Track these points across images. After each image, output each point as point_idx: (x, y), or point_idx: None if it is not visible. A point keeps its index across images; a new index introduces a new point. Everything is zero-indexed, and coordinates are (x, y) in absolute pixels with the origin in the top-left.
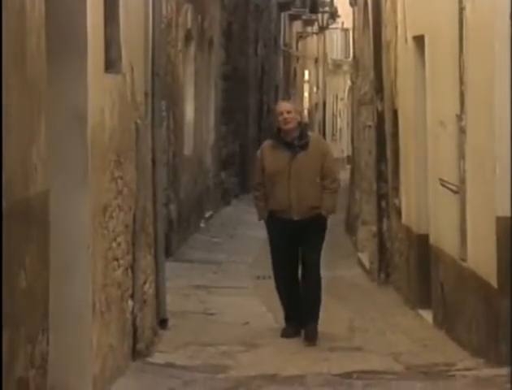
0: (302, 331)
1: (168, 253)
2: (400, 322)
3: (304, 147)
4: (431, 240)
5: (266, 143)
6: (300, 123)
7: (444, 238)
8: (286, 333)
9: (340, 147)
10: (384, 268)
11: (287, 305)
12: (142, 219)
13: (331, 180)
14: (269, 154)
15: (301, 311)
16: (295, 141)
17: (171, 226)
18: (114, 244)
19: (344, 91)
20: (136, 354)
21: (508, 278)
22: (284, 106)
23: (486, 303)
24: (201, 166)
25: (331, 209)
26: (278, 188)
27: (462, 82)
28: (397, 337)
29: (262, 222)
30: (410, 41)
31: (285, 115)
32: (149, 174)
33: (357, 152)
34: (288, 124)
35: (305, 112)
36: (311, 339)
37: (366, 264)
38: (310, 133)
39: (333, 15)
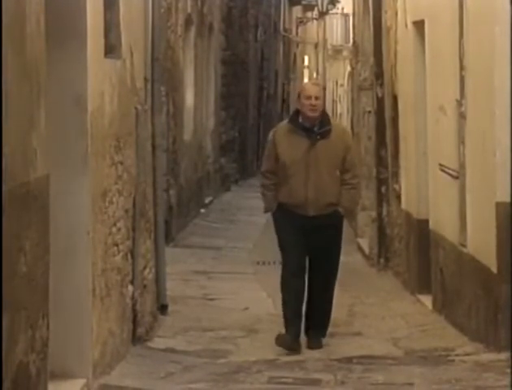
0: (306, 340)
1: (168, 238)
2: (399, 307)
3: (325, 135)
4: (431, 225)
5: (282, 126)
6: (323, 110)
7: (443, 223)
8: (284, 342)
9: None
10: (383, 253)
11: (293, 311)
12: (142, 205)
13: (351, 175)
14: (284, 140)
15: (305, 319)
16: (315, 128)
17: (171, 211)
18: (114, 230)
19: (343, 76)
20: (136, 339)
21: (507, 263)
22: (314, 90)
23: (485, 288)
24: (201, 152)
25: (350, 206)
26: (293, 179)
27: (462, 67)
28: (397, 322)
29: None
30: (410, 26)
31: (313, 101)
32: (149, 159)
33: (357, 137)
34: (315, 112)
35: None
36: (314, 348)
37: (366, 249)
38: (332, 121)
39: (333, 0)
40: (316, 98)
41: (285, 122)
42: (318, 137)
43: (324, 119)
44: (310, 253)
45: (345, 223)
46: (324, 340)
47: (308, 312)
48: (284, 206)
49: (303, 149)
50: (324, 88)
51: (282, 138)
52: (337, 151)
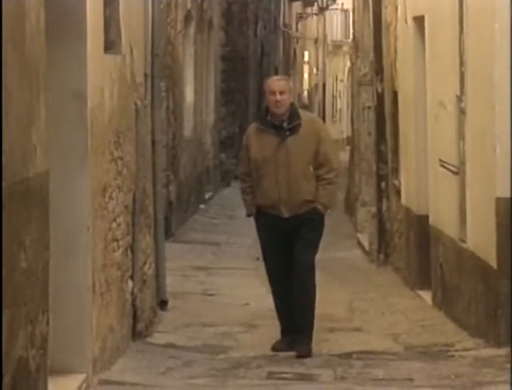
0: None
1: (168, 234)
2: (399, 302)
3: (294, 130)
4: (431, 220)
5: (252, 126)
6: (291, 104)
7: (443, 219)
8: (277, 347)
9: (340, 128)
10: (383, 249)
11: (280, 315)
12: (142, 200)
13: (327, 170)
14: (255, 140)
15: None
16: (284, 124)
17: (171, 207)
18: (113, 225)
19: (343, 72)
20: (135, 335)
21: (507, 259)
22: (277, 84)
23: (485, 284)
24: (201, 148)
25: (328, 203)
26: (265, 179)
27: (461, 63)
28: (396, 318)
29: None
30: (410, 21)
31: (278, 97)
32: (149, 155)
33: (357, 133)
34: (281, 108)
35: (305, 93)
36: (302, 356)
37: (366, 245)
38: (302, 114)
39: None
40: (281, 93)
41: (255, 122)
42: (288, 133)
43: (293, 114)
44: (292, 254)
45: (346, 219)
46: (324, 336)
47: (291, 315)
48: (262, 209)
49: (273, 147)
50: (328, 84)
51: (253, 139)
52: (308, 145)
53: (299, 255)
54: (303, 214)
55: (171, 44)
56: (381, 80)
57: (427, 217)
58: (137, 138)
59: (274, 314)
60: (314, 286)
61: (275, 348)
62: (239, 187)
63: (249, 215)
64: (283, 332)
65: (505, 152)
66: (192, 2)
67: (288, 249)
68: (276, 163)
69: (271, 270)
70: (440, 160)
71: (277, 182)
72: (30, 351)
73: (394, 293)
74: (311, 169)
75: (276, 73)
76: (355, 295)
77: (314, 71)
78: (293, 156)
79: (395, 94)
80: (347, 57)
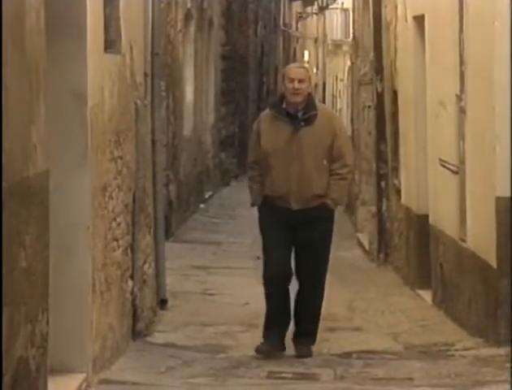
0: (293, 348)
1: (168, 233)
2: (399, 302)
3: (310, 121)
4: (431, 220)
5: (265, 113)
6: (309, 94)
7: (443, 218)
8: (261, 349)
9: None
10: (383, 248)
11: (271, 316)
12: (142, 200)
13: (341, 164)
14: (267, 128)
15: (285, 327)
16: (299, 114)
17: (171, 206)
18: (113, 225)
19: (343, 71)
20: (135, 334)
21: (507, 258)
22: (296, 71)
23: (485, 283)
24: (201, 147)
25: (339, 199)
26: (275, 170)
27: (461, 62)
28: (396, 317)
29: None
30: (410, 20)
31: (296, 85)
32: (149, 154)
33: (357, 132)
34: (298, 96)
35: None
36: (303, 356)
37: (366, 244)
38: (318, 105)
39: None
40: (300, 81)
41: (269, 109)
42: (303, 124)
43: (310, 104)
44: (296, 252)
45: (346, 218)
46: (324, 335)
47: (296, 317)
48: (269, 200)
49: (285, 137)
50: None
51: (265, 126)
52: (323, 138)
53: (306, 268)
54: (312, 209)
55: (171, 43)
56: (381, 80)
57: (427, 216)
58: (137, 137)
59: None
60: (322, 299)
61: (258, 351)
62: (247, 175)
63: (253, 205)
64: (266, 334)
65: (505, 151)
66: (192, 1)
67: (291, 245)
68: (288, 154)
69: (273, 271)
70: (440, 159)
71: (288, 173)
72: (30, 350)
73: (394, 293)
74: (325, 162)
75: (276, 72)
76: (355, 294)
77: (314, 70)
78: (306, 148)
79: (395, 93)
80: (347, 56)
